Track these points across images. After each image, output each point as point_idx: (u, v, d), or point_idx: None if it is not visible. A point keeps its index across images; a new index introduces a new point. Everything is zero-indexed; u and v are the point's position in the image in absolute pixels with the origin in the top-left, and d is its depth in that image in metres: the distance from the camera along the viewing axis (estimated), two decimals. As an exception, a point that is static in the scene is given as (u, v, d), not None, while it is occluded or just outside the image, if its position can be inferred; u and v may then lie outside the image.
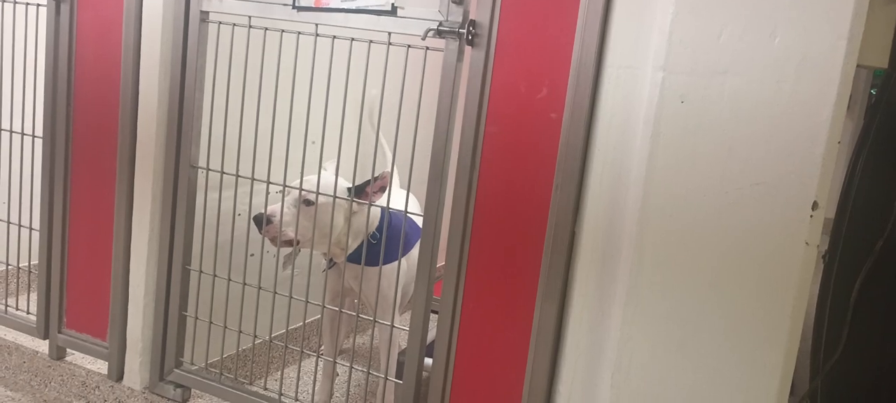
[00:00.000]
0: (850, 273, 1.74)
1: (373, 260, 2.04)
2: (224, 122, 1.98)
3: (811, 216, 1.30)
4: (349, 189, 1.98)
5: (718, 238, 1.37)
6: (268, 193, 2.04)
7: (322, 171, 2.00)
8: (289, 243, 1.97)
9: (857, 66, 1.28)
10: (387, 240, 2.01)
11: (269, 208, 1.95)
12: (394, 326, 1.97)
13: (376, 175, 1.94)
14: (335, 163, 1.97)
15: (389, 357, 2.07)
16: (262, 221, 1.93)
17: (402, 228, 1.97)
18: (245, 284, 2.05)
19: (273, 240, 1.96)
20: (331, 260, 2.09)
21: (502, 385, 1.70)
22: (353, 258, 2.06)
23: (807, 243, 1.31)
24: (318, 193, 1.92)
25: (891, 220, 1.69)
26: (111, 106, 2.06)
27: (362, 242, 2.03)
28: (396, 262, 2.04)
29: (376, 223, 2.05)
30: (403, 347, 1.95)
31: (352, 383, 2.55)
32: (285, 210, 1.94)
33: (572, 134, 1.54)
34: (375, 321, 1.97)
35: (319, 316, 2.77)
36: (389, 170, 1.97)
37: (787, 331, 1.34)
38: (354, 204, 1.99)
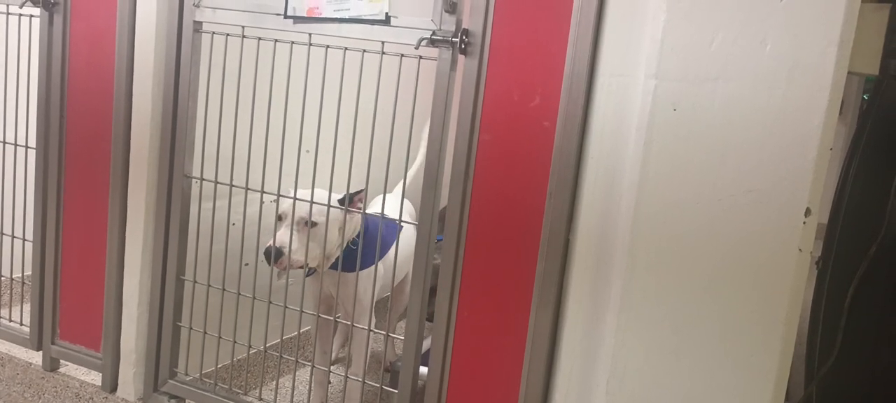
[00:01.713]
0: (844, 278, 1.74)
1: (350, 267, 2.08)
2: (218, 132, 1.98)
3: (804, 222, 1.31)
4: (340, 200, 2.00)
5: (712, 244, 1.37)
6: (262, 203, 2.03)
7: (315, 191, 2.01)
8: (299, 267, 2.01)
9: (849, 72, 1.29)
10: (365, 245, 2.05)
11: (276, 239, 1.96)
12: (378, 331, 1.97)
13: (356, 191, 2.00)
14: (327, 184, 1.99)
15: (366, 360, 2.13)
16: (271, 256, 1.94)
17: (378, 233, 2.00)
18: (239, 294, 2.04)
19: (284, 270, 1.98)
20: (310, 268, 2.11)
21: (498, 393, 1.69)
22: (333, 265, 2.10)
23: (800, 249, 1.32)
24: (322, 203, 1.92)
25: (884, 225, 1.70)
26: (104, 116, 2.06)
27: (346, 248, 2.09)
28: (371, 267, 2.10)
29: (358, 229, 2.11)
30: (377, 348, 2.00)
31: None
32: (290, 235, 1.96)
33: (565, 141, 1.54)
34: (352, 325, 2.00)
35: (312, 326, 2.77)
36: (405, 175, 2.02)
37: (781, 337, 1.34)
38: (346, 214, 2.03)
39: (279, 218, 2.03)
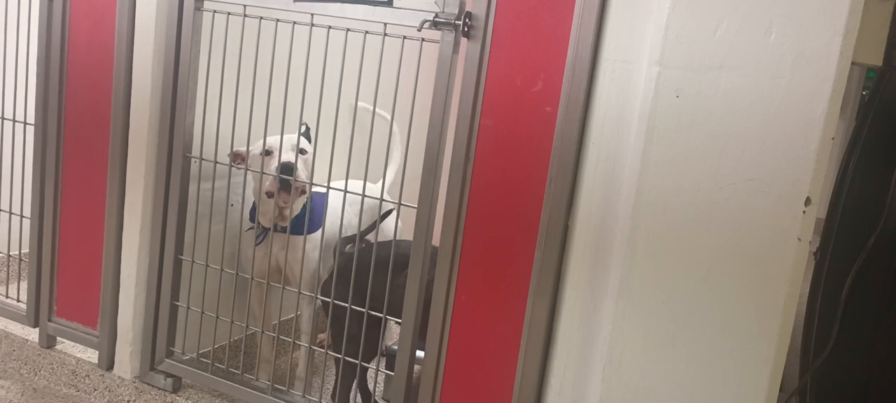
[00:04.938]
0: (841, 270, 1.75)
1: (298, 230, 2.14)
2: (218, 112, 1.97)
3: (804, 212, 1.31)
4: (302, 150, 2.06)
5: (711, 233, 1.38)
6: (262, 180, 2.03)
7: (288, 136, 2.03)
8: (302, 192, 2.05)
9: (852, 63, 1.29)
10: (311, 214, 2.12)
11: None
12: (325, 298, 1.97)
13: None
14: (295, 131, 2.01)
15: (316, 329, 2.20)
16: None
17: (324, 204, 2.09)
18: (238, 274, 2.05)
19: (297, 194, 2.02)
20: (264, 230, 2.13)
21: (494, 377, 1.70)
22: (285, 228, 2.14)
23: (799, 239, 1.32)
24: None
25: (882, 219, 1.70)
26: (104, 94, 2.05)
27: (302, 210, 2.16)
28: (317, 233, 2.18)
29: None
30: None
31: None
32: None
33: (567, 127, 1.54)
34: (300, 291, 2.03)
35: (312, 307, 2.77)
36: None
37: (778, 326, 1.35)
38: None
39: (268, 152, 2.03)
